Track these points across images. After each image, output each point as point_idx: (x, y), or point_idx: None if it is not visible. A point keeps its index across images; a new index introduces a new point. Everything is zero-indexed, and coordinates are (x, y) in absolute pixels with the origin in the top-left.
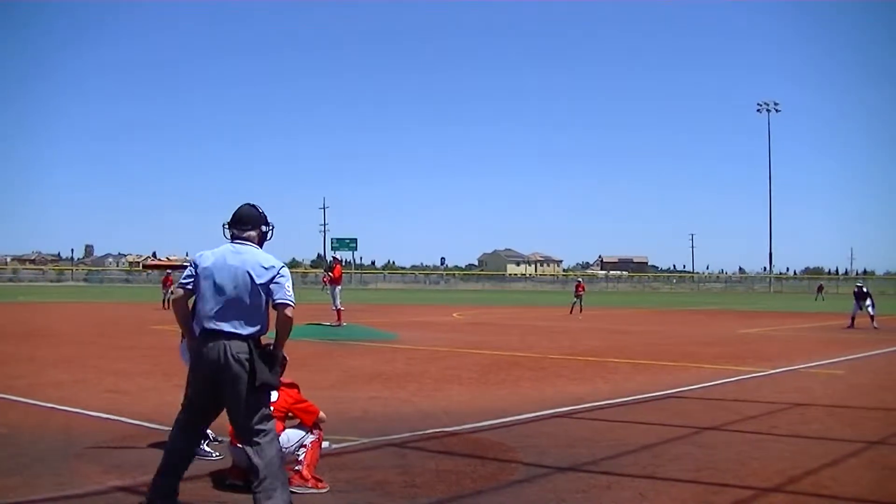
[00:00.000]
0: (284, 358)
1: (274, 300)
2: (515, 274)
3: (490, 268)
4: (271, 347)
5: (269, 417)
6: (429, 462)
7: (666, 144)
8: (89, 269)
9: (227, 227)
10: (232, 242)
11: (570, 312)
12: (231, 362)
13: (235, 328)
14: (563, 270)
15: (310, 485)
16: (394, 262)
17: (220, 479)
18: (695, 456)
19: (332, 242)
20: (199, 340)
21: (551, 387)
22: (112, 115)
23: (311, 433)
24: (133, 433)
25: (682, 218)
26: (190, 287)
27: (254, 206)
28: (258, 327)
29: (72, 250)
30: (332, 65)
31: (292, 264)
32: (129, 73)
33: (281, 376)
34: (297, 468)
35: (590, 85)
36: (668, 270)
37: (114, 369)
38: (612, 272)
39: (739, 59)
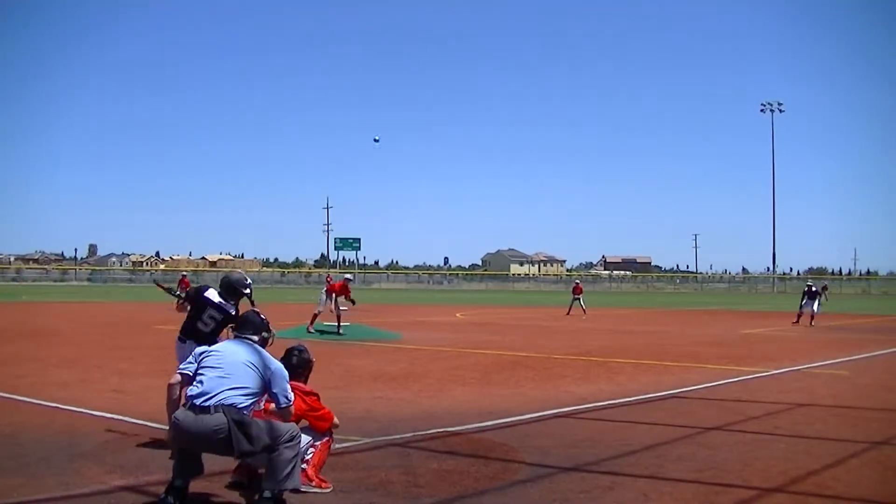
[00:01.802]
0: (311, 360)
1: (279, 405)
2: (519, 274)
3: (493, 268)
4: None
5: (277, 438)
6: (432, 462)
7: (669, 145)
8: (93, 269)
9: (232, 328)
10: (237, 338)
11: (568, 313)
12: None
13: (219, 400)
14: (567, 270)
15: (314, 484)
16: (397, 262)
17: (226, 477)
18: (698, 456)
19: (335, 242)
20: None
21: (554, 387)
22: (115, 114)
23: (324, 436)
24: (137, 433)
25: (685, 218)
26: (186, 374)
27: (260, 313)
28: (244, 404)
29: (75, 250)
30: (337, 65)
31: (296, 264)
32: (132, 72)
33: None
34: (302, 466)
35: (594, 85)
36: (671, 271)
37: (117, 369)
38: (615, 272)
39: (744, 60)
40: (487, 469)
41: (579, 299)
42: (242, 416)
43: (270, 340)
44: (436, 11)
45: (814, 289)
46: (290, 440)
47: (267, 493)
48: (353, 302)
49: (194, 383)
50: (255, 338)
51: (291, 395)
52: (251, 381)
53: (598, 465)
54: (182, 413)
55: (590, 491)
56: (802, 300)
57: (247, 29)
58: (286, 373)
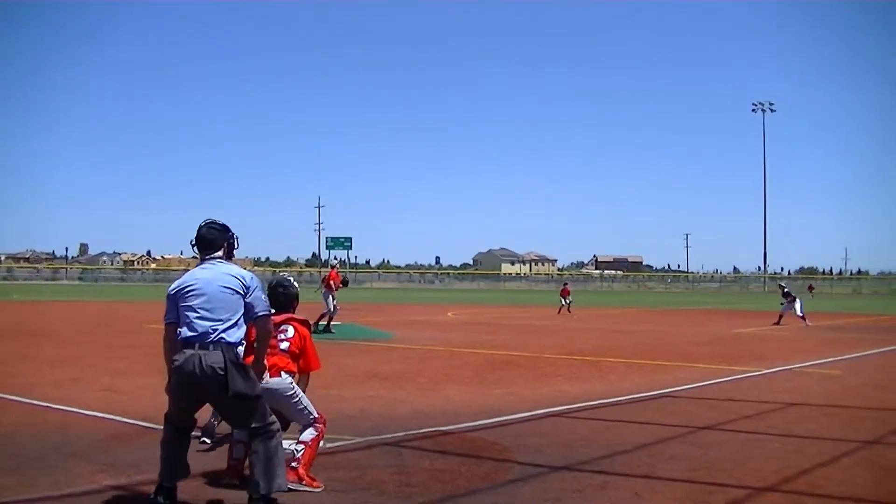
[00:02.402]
0: (297, 294)
1: (255, 313)
2: (510, 273)
3: (485, 267)
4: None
5: (264, 416)
6: (424, 461)
7: (661, 144)
8: (84, 268)
9: (194, 247)
10: (202, 262)
11: (559, 312)
12: (206, 373)
13: (211, 338)
14: (558, 270)
15: (304, 483)
16: (388, 262)
17: (216, 479)
18: (690, 455)
19: (326, 241)
20: (174, 348)
21: (547, 386)
22: (107, 114)
23: (314, 428)
24: (130, 432)
25: (677, 218)
26: (173, 321)
27: (212, 224)
28: (236, 338)
29: (66, 249)
30: (328, 64)
31: (287, 263)
32: (125, 73)
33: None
34: (293, 465)
35: (585, 85)
36: (662, 270)
37: (111, 368)
38: (606, 271)
39: (736, 59)
40: (480, 468)
41: (566, 299)
42: (237, 356)
43: (236, 244)
44: (427, 11)
45: (786, 290)
46: (273, 427)
47: (257, 495)
48: (346, 283)
49: (182, 326)
50: (220, 254)
51: (268, 305)
52: (235, 308)
53: (590, 464)
54: (180, 355)
55: (582, 490)
56: (781, 302)
57: (236, 29)
58: (260, 283)
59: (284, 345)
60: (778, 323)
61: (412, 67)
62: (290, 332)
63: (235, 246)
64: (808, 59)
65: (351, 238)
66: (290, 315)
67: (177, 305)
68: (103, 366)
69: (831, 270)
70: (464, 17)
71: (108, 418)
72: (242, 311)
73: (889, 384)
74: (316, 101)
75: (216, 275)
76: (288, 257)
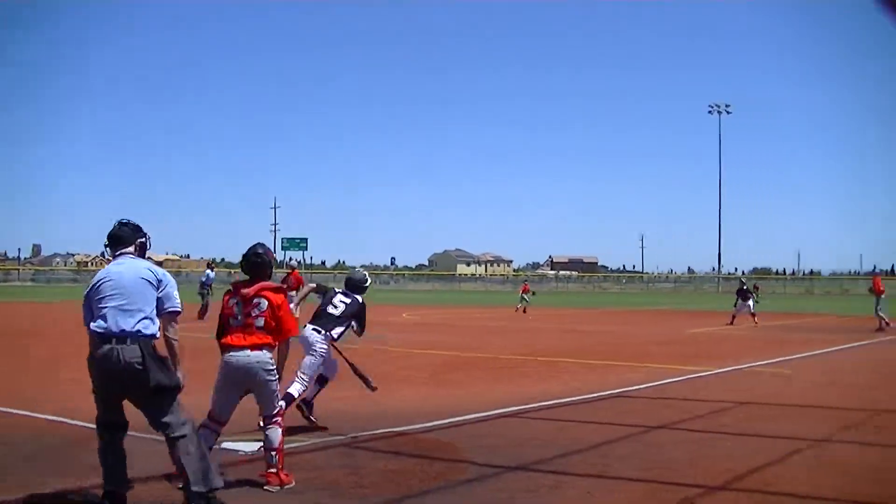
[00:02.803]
0: (270, 262)
1: (165, 308)
2: (465, 274)
3: (440, 268)
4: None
5: (180, 410)
6: (378, 462)
7: (617, 145)
8: (36, 269)
9: (107, 247)
10: (115, 258)
11: (516, 311)
12: (125, 367)
13: (127, 332)
14: (514, 271)
15: (287, 482)
16: (344, 262)
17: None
18: (643, 454)
19: (282, 242)
20: (93, 344)
21: (502, 387)
22: (60, 113)
23: (277, 426)
24: (86, 436)
25: (632, 218)
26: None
27: (125, 223)
28: (152, 331)
29: (18, 250)
30: (282, 66)
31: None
32: (75, 71)
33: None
34: (272, 471)
35: (539, 84)
36: (618, 271)
37: (69, 371)
38: (562, 272)
39: (692, 60)
40: (433, 469)
41: (526, 297)
42: (154, 349)
43: (148, 244)
44: (371, 13)
45: (745, 287)
46: (188, 423)
47: (197, 495)
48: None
49: (98, 319)
50: (131, 249)
51: (180, 304)
52: (150, 301)
53: (544, 463)
54: (98, 350)
55: (536, 490)
56: (736, 302)
57: (187, 32)
58: (174, 281)
59: (260, 321)
60: (731, 323)
61: (367, 69)
62: (264, 305)
63: (148, 246)
64: (764, 61)
65: (307, 239)
66: (262, 284)
67: (91, 299)
68: (61, 368)
69: (784, 271)
70: (413, 19)
71: (63, 422)
72: (155, 304)
73: (838, 383)
74: (271, 102)
75: (130, 269)
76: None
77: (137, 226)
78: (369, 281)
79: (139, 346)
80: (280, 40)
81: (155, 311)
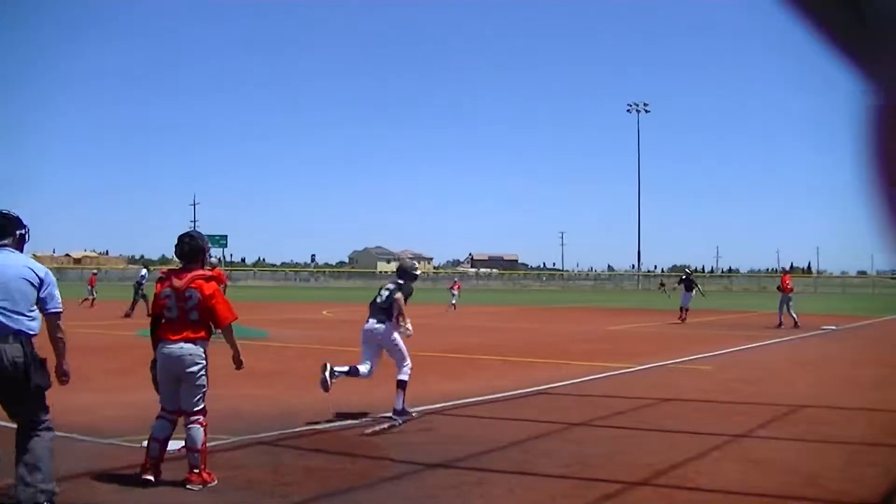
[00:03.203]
0: (204, 247)
1: (47, 309)
2: (386, 271)
3: (361, 265)
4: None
5: (47, 409)
6: (300, 460)
7: (537, 142)
8: None
9: None
10: None
11: (447, 310)
12: (8, 366)
13: (11, 329)
14: (434, 268)
15: (209, 481)
16: (264, 260)
17: (106, 478)
18: (565, 451)
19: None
20: None
21: (423, 384)
22: None
23: (200, 426)
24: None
25: (552, 216)
26: None
27: (5, 214)
28: (34, 330)
29: None
30: (203, 63)
31: (162, 261)
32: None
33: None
34: (195, 471)
35: (462, 82)
36: (538, 268)
37: None
38: (482, 269)
39: (611, 60)
40: (355, 467)
41: (455, 294)
42: (34, 348)
43: (27, 237)
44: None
45: (689, 277)
46: (48, 423)
47: (49, 494)
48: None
49: None
50: (9, 241)
51: (60, 304)
52: (32, 299)
53: (465, 461)
54: None
55: (458, 487)
56: (682, 294)
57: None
58: (55, 280)
59: (194, 315)
60: (683, 319)
61: (285, 66)
62: (196, 298)
63: (26, 240)
64: (682, 61)
65: (227, 236)
66: (195, 274)
67: None
68: None
69: (703, 268)
70: (340, 19)
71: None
72: (35, 300)
73: (756, 380)
74: (190, 98)
75: (11, 265)
76: (163, 255)
77: (17, 217)
78: (419, 269)
79: (21, 344)
80: (197, 35)
81: (36, 310)
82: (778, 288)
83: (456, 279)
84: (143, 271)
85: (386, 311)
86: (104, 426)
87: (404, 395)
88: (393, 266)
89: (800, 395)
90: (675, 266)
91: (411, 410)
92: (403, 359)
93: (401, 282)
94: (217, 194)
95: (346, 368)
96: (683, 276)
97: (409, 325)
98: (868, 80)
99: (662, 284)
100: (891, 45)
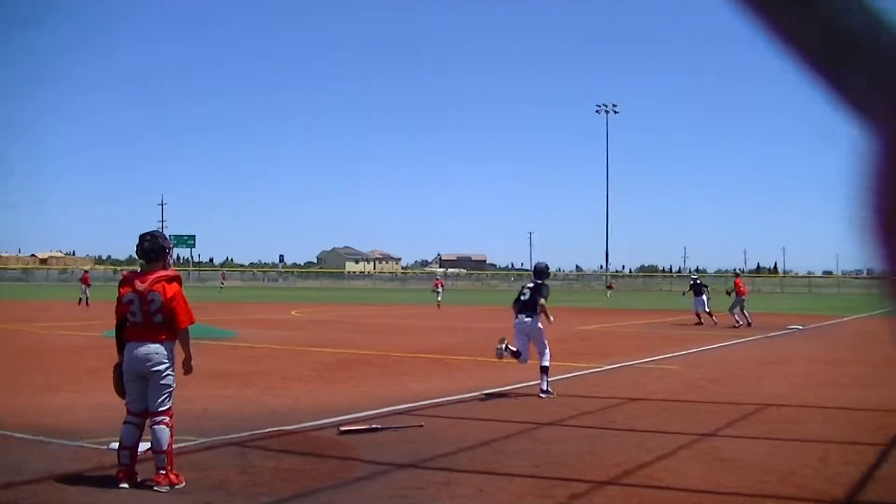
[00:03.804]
0: (166, 247)
1: None
2: (354, 272)
3: (329, 265)
4: None
5: None
6: (269, 461)
7: (505, 143)
8: None
9: None
10: None
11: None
12: None
13: None
14: (402, 268)
15: (176, 482)
16: (232, 260)
17: (70, 480)
18: (534, 451)
19: (170, 239)
20: None
21: (392, 384)
22: None
23: (165, 426)
24: None
25: (520, 217)
26: None
27: None
28: None
29: None
30: (167, 62)
31: (129, 261)
32: None
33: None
34: (162, 472)
35: (430, 84)
36: (506, 268)
37: None
38: (450, 270)
39: (581, 61)
40: (325, 467)
41: (439, 293)
42: None
43: None
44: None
45: (698, 281)
46: None
47: None
48: None
49: None
50: None
51: None
52: None
53: (434, 461)
54: None
55: (427, 487)
56: (693, 299)
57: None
58: None
59: (158, 318)
60: (700, 323)
61: (253, 66)
62: (158, 301)
63: None
64: (650, 63)
65: (194, 236)
66: (157, 275)
67: None
68: None
69: (671, 268)
70: (308, 20)
71: None
72: None
73: (723, 379)
74: (159, 98)
75: None
76: (130, 255)
77: None
78: (551, 269)
79: None
80: (164, 36)
81: None
82: (728, 292)
83: (438, 277)
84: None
85: (532, 306)
86: (71, 428)
87: (547, 377)
88: (361, 266)
89: (766, 394)
90: (642, 266)
91: (550, 391)
92: (545, 348)
93: (539, 281)
94: (185, 194)
95: (514, 349)
96: (692, 283)
97: (551, 317)
98: (863, 121)
99: (611, 287)
100: (886, 84)
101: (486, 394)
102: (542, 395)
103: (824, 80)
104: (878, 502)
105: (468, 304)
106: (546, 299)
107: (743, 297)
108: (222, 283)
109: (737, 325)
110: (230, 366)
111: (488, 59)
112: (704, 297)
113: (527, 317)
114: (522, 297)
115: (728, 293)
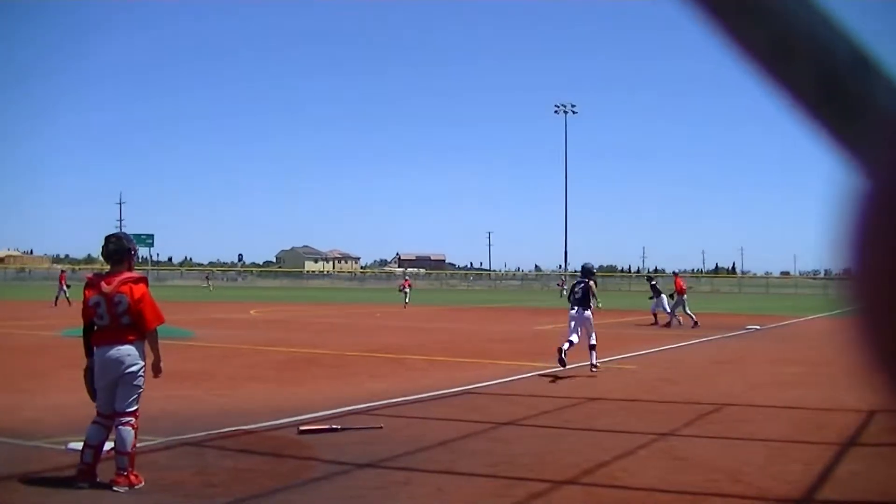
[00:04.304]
0: (130, 249)
1: None
2: (313, 271)
3: (288, 265)
4: None
5: None
6: (226, 461)
7: (464, 142)
8: None
9: None
10: None
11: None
12: None
13: None
14: (361, 268)
15: (136, 483)
16: (191, 259)
17: (33, 480)
18: (492, 451)
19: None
20: None
21: (349, 384)
22: None
23: (131, 427)
24: None
25: (479, 216)
26: None
27: None
28: None
29: None
30: (126, 58)
31: (88, 260)
32: None
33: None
34: (123, 473)
35: (387, 82)
36: (465, 268)
37: None
38: (409, 269)
39: (539, 60)
40: (283, 467)
41: (406, 293)
42: None
43: None
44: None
45: (653, 282)
46: None
47: None
48: None
49: None
50: None
51: None
52: None
53: (392, 460)
54: None
55: (385, 487)
56: (650, 297)
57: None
58: None
59: (126, 319)
60: (655, 323)
61: (211, 68)
62: (125, 302)
63: None
64: (608, 64)
65: (153, 235)
66: (124, 277)
67: None
68: None
69: (629, 268)
70: (265, 19)
71: None
72: None
73: (680, 378)
74: (116, 94)
75: None
76: (89, 255)
77: None
78: (595, 268)
79: None
80: (126, 32)
81: None
82: (671, 295)
83: (407, 277)
84: None
85: (584, 302)
86: (27, 428)
87: (595, 353)
88: (320, 266)
89: (722, 393)
90: (601, 266)
91: (598, 365)
92: (592, 330)
93: (586, 280)
94: (143, 193)
95: (567, 346)
96: (650, 284)
97: (600, 303)
98: (850, 160)
99: (560, 284)
100: (872, 126)
101: (442, 393)
102: (593, 370)
103: (805, 112)
104: (819, 500)
105: (427, 304)
106: (596, 286)
107: (684, 297)
108: (208, 284)
109: (680, 324)
110: (187, 365)
111: (447, 57)
112: (664, 297)
113: (581, 309)
114: (575, 295)
115: (671, 296)
